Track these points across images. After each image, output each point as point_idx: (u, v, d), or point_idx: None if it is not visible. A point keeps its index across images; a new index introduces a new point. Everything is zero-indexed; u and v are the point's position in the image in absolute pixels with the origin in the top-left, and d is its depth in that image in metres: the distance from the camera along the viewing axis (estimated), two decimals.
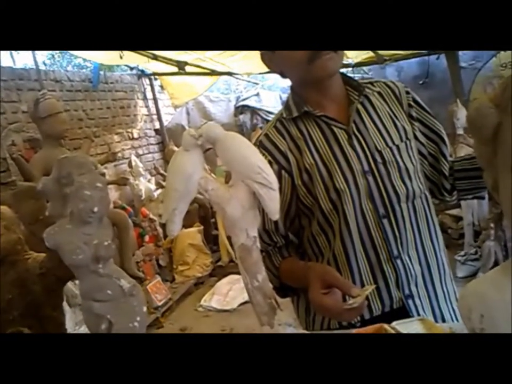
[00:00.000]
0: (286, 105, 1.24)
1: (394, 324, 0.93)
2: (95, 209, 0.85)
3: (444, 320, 1.14)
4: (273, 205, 0.89)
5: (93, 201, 0.85)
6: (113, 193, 5.05)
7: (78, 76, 5.03)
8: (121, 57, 4.52)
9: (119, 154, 5.27)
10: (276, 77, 1.26)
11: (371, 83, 1.27)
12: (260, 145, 1.21)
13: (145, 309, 0.90)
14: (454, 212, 4.66)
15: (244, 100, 6.97)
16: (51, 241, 0.84)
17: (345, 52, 4.78)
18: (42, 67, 4.64)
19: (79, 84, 4.98)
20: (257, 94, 6.99)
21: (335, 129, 1.17)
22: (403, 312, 1.10)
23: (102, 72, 5.41)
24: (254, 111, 6.79)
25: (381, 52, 4.89)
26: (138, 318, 0.87)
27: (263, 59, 1.22)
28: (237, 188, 0.89)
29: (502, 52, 4.75)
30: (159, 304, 4.06)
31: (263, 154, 1.17)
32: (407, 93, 1.25)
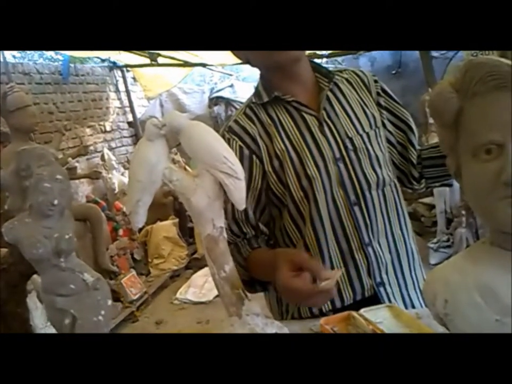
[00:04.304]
0: (255, 91, 1.22)
1: (362, 311, 0.94)
2: (55, 201, 0.82)
3: (413, 308, 1.14)
4: (239, 195, 0.87)
5: (53, 193, 0.82)
6: (86, 187, 4.98)
7: (48, 69, 4.93)
8: None
9: (91, 148, 5.20)
10: (250, 68, 1.25)
11: (339, 71, 1.27)
12: (229, 130, 1.18)
13: (110, 302, 0.88)
14: (427, 200, 4.73)
15: (218, 91, 6.91)
16: (10, 235, 0.82)
17: None
18: (11, 60, 4.53)
19: (48, 76, 4.88)
20: (232, 86, 6.94)
21: (305, 115, 1.16)
22: (374, 301, 1.09)
23: (72, 65, 5.31)
24: (228, 102, 6.74)
25: None
26: (102, 312, 0.86)
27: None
28: (202, 178, 0.87)
29: None
30: (134, 298, 4.03)
31: (233, 140, 1.16)
32: (376, 81, 1.25)
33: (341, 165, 1.13)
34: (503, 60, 0.62)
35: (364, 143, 1.15)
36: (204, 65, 5.95)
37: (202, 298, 4.13)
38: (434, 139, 3.79)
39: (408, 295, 1.16)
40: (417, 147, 1.26)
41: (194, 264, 4.91)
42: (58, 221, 0.85)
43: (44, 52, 7.61)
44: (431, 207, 4.68)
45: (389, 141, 1.23)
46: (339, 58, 6.34)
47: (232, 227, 1.17)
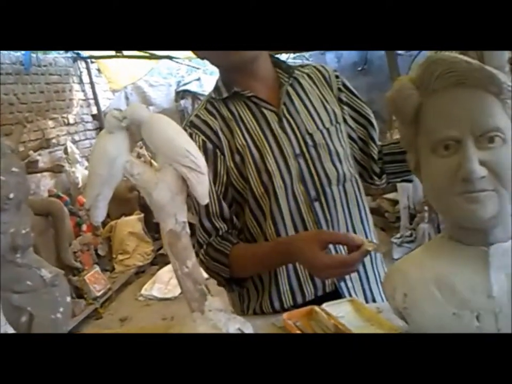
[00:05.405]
0: (215, 86, 1.21)
1: (324, 305, 0.94)
2: (11, 195, 0.79)
3: (374, 302, 1.15)
4: (202, 189, 0.86)
5: (8, 187, 0.79)
6: (48, 181, 4.86)
7: (9, 58, 4.77)
8: None
9: (54, 141, 5.06)
10: None
11: (301, 66, 1.27)
12: (190, 125, 1.17)
13: (69, 299, 0.87)
14: (391, 195, 4.80)
15: (185, 84, 6.84)
16: None
17: None
18: None
19: (9, 66, 4.73)
20: (199, 79, 6.88)
21: (265, 111, 1.16)
22: (336, 296, 1.10)
23: (34, 55, 5.16)
24: (195, 96, 6.68)
25: None
26: (61, 309, 0.84)
27: None
28: (165, 172, 0.86)
29: None
30: (98, 294, 3.96)
31: (196, 134, 1.14)
32: (337, 77, 1.25)
33: (301, 161, 1.13)
34: (461, 56, 0.63)
35: (324, 138, 1.15)
36: (170, 58, 5.87)
37: (168, 294, 4.09)
38: (398, 135, 3.85)
39: (370, 289, 1.17)
40: (378, 143, 1.27)
41: (160, 260, 4.85)
42: (15, 215, 0.82)
43: None
44: (395, 202, 4.75)
45: (350, 137, 1.24)
46: (306, 54, 6.37)
47: (204, 223, 1.14)
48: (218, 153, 1.14)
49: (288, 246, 1.04)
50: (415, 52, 5.57)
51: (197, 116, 1.18)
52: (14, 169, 0.81)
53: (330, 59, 6.30)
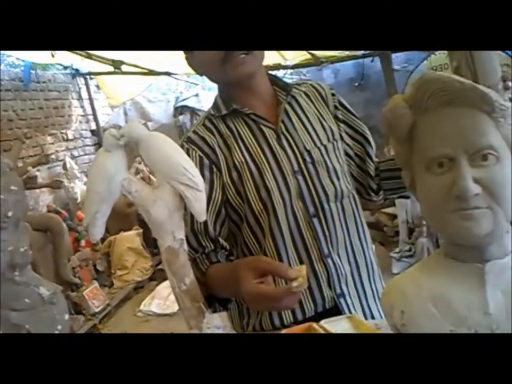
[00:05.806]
0: (214, 103, 1.22)
1: (322, 322, 0.94)
2: (9, 213, 0.80)
3: (373, 318, 1.15)
4: (200, 206, 0.87)
5: (7, 205, 0.80)
6: (47, 197, 4.87)
7: (8, 75, 4.81)
8: (53, 56, 4.38)
9: (53, 156, 5.08)
10: None
11: (298, 84, 1.28)
12: (188, 140, 1.18)
13: (67, 316, 0.86)
14: (390, 210, 4.81)
15: (183, 100, 6.89)
16: None
17: (283, 53, 4.85)
18: None
19: (8, 82, 4.76)
20: (197, 95, 6.93)
21: (263, 128, 1.17)
22: (336, 312, 1.10)
23: (33, 71, 5.20)
24: (193, 111, 6.73)
25: (317, 54, 4.97)
26: (59, 327, 0.83)
27: (187, 61, 1.21)
28: (162, 189, 0.87)
29: (433, 56, 4.96)
30: (97, 310, 3.95)
31: (193, 150, 1.15)
32: (333, 95, 1.27)
33: (300, 178, 1.14)
34: (454, 76, 0.64)
35: (322, 155, 1.16)
36: (168, 74, 5.90)
37: (167, 310, 4.07)
38: None
39: (368, 305, 1.17)
40: (375, 159, 1.28)
41: (159, 275, 4.82)
42: (13, 233, 0.82)
43: (6, 58, 7.43)
44: (394, 217, 4.76)
45: (346, 154, 1.25)
46: (303, 70, 6.41)
47: (190, 240, 1.13)
48: (215, 170, 1.15)
49: (237, 268, 0.96)
50: (411, 68, 5.63)
51: (194, 132, 1.19)
52: (12, 187, 0.82)
53: (327, 75, 6.34)
